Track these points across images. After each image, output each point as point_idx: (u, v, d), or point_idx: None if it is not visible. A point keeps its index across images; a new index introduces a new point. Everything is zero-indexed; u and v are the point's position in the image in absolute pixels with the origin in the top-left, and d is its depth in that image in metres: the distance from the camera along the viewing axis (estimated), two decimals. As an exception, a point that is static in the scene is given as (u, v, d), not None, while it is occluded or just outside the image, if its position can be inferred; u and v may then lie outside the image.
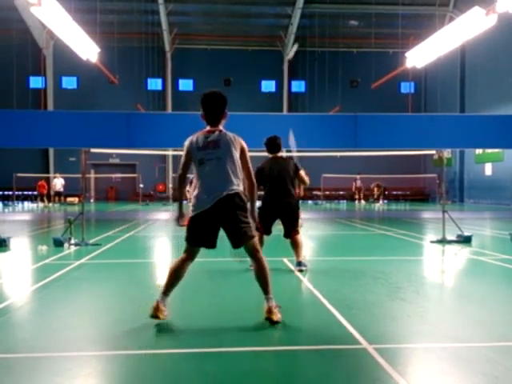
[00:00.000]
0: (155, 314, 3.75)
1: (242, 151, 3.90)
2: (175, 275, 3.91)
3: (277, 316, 3.79)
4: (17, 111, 13.57)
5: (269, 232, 6.20)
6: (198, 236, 3.84)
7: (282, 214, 6.09)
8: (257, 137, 9.54)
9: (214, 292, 4.95)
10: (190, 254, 3.92)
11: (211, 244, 3.90)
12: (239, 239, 3.84)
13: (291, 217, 6.12)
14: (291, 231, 6.16)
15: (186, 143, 3.92)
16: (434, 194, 30.18)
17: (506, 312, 4.24)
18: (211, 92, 4.03)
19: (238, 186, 3.79)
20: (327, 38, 30.21)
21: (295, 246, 6.18)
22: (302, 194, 13.28)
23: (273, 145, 6.26)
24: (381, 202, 27.97)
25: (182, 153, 3.97)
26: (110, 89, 31.06)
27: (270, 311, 3.80)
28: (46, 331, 3.69)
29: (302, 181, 6.29)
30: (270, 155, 6.27)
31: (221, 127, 3.96)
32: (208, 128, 3.94)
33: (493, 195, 26.11)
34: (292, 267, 6.46)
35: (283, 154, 6.71)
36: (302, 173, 6.23)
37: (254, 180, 4.02)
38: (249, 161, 3.95)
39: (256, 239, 3.99)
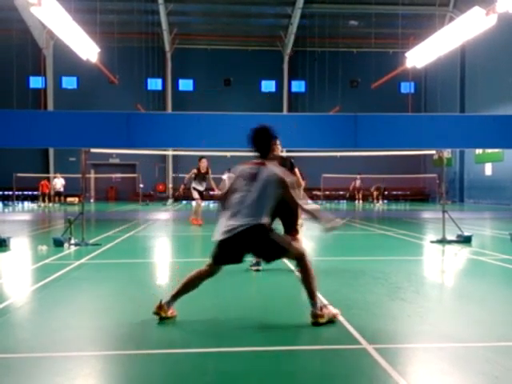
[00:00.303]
0: (158, 312, 3.81)
1: (286, 187, 3.94)
2: (191, 285, 3.98)
3: (323, 318, 3.80)
4: (17, 111, 13.57)
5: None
6: (225, 257, 3.95)
7: (281, 210, 5.95)
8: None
9: (214, 292, 4.95)
10: (212, 271, 4.00)
11: (238, 261, 4.00)
12: (269, 257, 4.02)
13: (290, 214, 5.93)
14: (291, 230, 6.04)
15: (236, 170, 4.09)
16: (434, 194, 30.17)
17: (506, 312, 4.24)
18: (261, 128, 4.17)
19: (261, 219, 3.83)
20: (327, 38, 30.21)
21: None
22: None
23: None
24: (380, 202, 27.96)
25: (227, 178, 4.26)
26: (109, 89, 31.07)
27: (314, 316, 3.80)
28: (46, 331, 3.69)
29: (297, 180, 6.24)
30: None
31: (267, 162, 4.02)
32: (255, 160, 4.06)
33: (493, 195, 26.12)
34: (292, 267, 6.46)
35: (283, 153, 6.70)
36: (297, 171, 6.14)
37: (301, 205, 4.18)
38: (294, 194, 4.01)
39: (295, 246, 4.05)
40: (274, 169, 3.96)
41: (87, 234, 8.82)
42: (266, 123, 4.24)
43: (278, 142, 5.58)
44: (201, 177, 12.92)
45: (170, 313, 3.87)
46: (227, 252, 3.91)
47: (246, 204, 3.85)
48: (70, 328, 3.74)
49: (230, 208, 3.95)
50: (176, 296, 3.92)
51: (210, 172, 13.02)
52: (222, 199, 4.10)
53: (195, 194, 12.98)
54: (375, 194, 27.76)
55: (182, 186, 14.80)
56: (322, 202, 28.91)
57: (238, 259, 3.97)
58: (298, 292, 5.19)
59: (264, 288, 5.16)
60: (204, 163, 12.91)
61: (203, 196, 13.35)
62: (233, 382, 2.75)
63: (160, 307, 3.82)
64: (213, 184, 13.24)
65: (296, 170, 6.17)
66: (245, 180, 3.93)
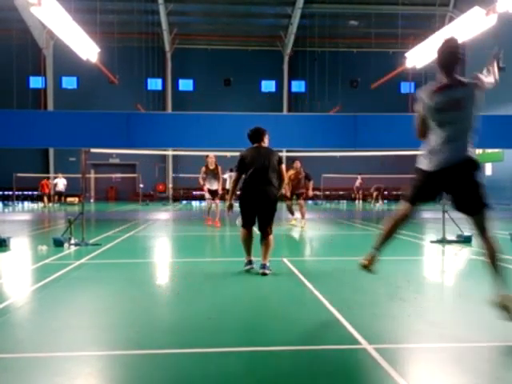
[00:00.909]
0: (368, 265, 3.89)
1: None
2: (394, 231, 3.83)
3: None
4: (17, 111, 13.57)
5: (253, 223, 5.91)
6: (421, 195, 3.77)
7: (259, 203, 5.75)
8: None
9: (214, 292, 4.95)
10: (411, 212, 3.78)
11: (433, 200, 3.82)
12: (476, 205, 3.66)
13: (268, 208, 5.78)
14: (266, 228, 5.84)
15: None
16: (433, 194, 30.16)
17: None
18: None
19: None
20: (327, 38, 30.23)
21: (266, 246, 5.85)
22: (310, 194, 13.08)
23: (256, 134, 6.04)
24: (380, 202, 27.92)
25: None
26: (109, 89, 31.07)
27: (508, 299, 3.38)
28: (46, 331, 3.69)
29: (281, 175, 5.98)
30: (254, 145, 6.06)
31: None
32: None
33: (493, 195, 25.82)
34: (292, 267, 6.46)
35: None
36: (284, 167, 6.01)
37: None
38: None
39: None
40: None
41: (87, 233, 8.82)
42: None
43: (266, 135, 6.12)
44: (211, 174, 12.26)
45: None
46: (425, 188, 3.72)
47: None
48: (70, 328, 3.74)
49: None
50: (380, 246, 3.89)
51: (219, 169, 12.36)
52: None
53: (206, 194, 12.47)
54: (375, 194, 27.67)
55: (205, 188, 13.07)
56: (321, 202, 28.91)
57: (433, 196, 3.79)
58: (298, 292, 5.19)
59: (264, 288, 5.16)
60: (211, 159, 12.26)
61: (217, 195, 12.53)
62: (233, 382, 2.75)
63: (371, 260, 3.88)
64: (221, 183, 12.52)
65: (283, 166, 6.01)
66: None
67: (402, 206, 3.85)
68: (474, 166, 3.58)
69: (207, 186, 12.35)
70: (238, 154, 6.14)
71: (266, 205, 5.76)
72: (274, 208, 5.85)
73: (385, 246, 3.90)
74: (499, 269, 3.55)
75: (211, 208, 12.70)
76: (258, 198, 5.75)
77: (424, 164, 3.72)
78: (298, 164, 12.63)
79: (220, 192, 12.62)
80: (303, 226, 12.08)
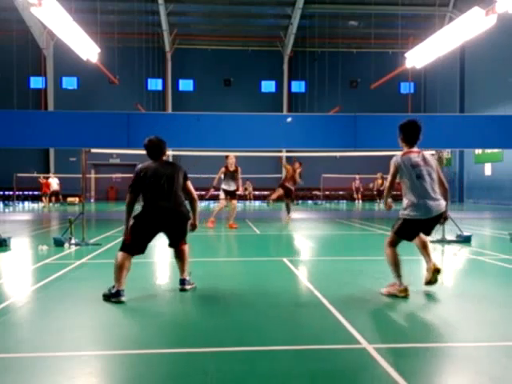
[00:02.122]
0: (405, 294, 4.68)
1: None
2: (398, 260, 4.89)
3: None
4: (17, 111, 13.58)
5: (142, 250, 4.86)
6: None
7: (167, 224, 4.87)
8: (257, 137, 9.58)
9: (214, 292, 4.96)
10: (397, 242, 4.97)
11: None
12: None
13: (180, 226, 4.95)
14: (180, 241, 5.08)
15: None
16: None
17: (506, 312, 4.25)
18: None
19: None
20: (327, 39, 30.23)
21: (182, 258, 5.08)
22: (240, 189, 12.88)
23: (155, 148, 4.98)
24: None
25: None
26: (110, 89, 31.09)
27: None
28: (47, 331, 3.70)
29: (190, 194, 5.05)
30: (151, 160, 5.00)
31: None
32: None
33: (492, 195, 26.13)
34: (292, 267, 6.47)
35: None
36: (190, 183, 5.07)
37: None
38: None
39: None
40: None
41: (88, 233, 8.83)
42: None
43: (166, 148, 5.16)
44: (229, 176, 11.79)
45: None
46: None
47: None
48: (70, 328, 3.74)
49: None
50: (399, 274, 4.79)
51: (239, 170, 11.87)
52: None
53: (221, 194, 12.04)
54: (380, 183, 25.20)
55: (212, 190, 12.98)
56: (321, 202, 28.91)
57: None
58: (298, 292, 5.20)
59: (263, 288, 5.16)
60: (232, 159, 11.72)
61: (235, 196, 12.13)
62: (233, 382, 2.75)
63: (405, 290, 4.69)
64: (240, 184, 12.07)
65: (189, 182, 5.11)
66: None
67: (391, 238, 4.94)
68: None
69: (224, 187, 11.93)
70: (237, 154, 5.88)
71: (178, 224, 4.93)
72: (184, 228, 5.01)
73: (401, 271, 4.80)
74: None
75: (221, 210, 12.31)
76: (166, 220, 4.84)
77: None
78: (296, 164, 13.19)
79: (239, 192, 12.31)
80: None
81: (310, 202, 29.74)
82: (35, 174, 27.02)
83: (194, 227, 5.13)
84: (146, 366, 2.98)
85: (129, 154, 24.38)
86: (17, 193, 28.41)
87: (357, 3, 29.06)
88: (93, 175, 32.02)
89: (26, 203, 28.66)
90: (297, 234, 11.11)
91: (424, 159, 4.76)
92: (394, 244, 4.90)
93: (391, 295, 4.71)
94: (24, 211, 21.82)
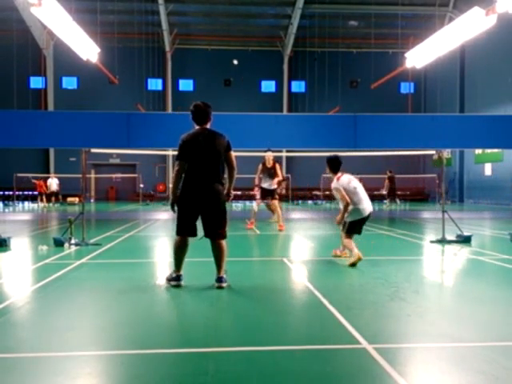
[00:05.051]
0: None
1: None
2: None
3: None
4: (17, 111, 13.58)
5: (192, 231, 4.90)
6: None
7: (202, 200, 4.78)
8: (257, 137, 9.57)
9: (214, 292, 4.95)
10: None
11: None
12: None
13: (215, 209, 4.82)
14: (216, 231, 4.90)
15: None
16: (433, 194, 30.18)
17: (506, 312, 4.25)
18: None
19: None
20: (327, 39, 30.23)
21: (218, 253, 4.96)
22: (279, 184, 12.12)
23: (200, 112, 5.03)
24: (398, 201, 25.80)
25: None
26: (110, 89, 31.10)
27: None
28: (47, 331, 3.70)
29: (230, 165, 4.99)
30: (197, 126, 5.02)
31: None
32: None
33: (492, 195, 26.12)
34: (292, 267, 6.47)
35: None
36: (233, 154, 5.02)
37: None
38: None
39: None
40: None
41: (87, 233, 8.83)
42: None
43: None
44: (267, 173, 11.22)
45: None
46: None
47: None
48: (70, 328, 3.74)
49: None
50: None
51: (277, 166, 11.28)
52: None
53: (258, 195, 11.51)
54: (386, 183, 24.38)
55: (256, 189, 12.21)
56: (322, 202, 28.92)
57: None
58: (298, 292, 5.20)
59: (263, 288, 5.16)
60: (270, 156, 11.17)
61: (275, 196, 11.45)
62: (233, 382, 2.75)
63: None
64: (279, 175, 11.34)
65: (232, 152, 5.12)
66: None
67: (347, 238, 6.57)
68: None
69: (264, 186, 11.38)
70: (237, 154, 5.76)
71: (214, 205, 4.83)
72: (220, 208, 4.89)
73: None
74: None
75: (256, 209, 11.78)
76: (203, 199, 4.79)
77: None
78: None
79: (276, 187, 11.62)
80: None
81: (309, 201, 29.74)
82: (31, 175, 26.93)
83: (228, 196, 5.05)
84: (146, 366, 2.98)
85: (129, 153, 24.43)
86: (17, 193, 28.39)
87: (357, 3, 29.06)
88: (93, 175, 32.03)
89: (26, 203, 28.65)
90: (297, 234, 11.11)
91: None
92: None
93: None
94: (24, 211, 21.82)
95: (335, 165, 6.86)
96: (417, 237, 10.15)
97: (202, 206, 4.83)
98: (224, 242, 5.01)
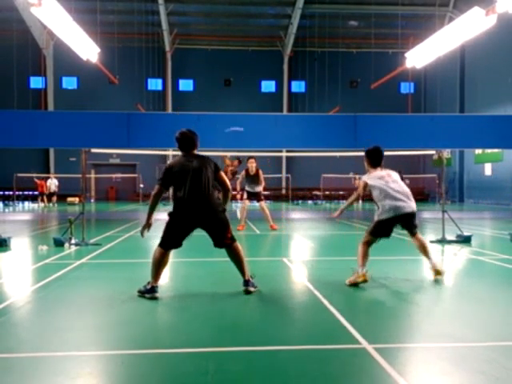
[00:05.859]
0: (365, 279, 5.22)
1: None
2: (367, 252, 5.59)
3: None
4: (17, 111, 13.58)
5: (177, 245, 4.85)
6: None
7: (200, 218, 4.77)
8: (257, 137, 9.58)
9: (214, 292, 4.95)
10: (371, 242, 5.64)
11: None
12: None
13: (214, 219, 4.81)
14: (223, 240, 4.87)
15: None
16: (433, 194, 30.19)
17: (506, 312, 4.25)
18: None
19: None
20: (327, 39, 30.24)
21: (236, 258, 4.90)
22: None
23: (187, 139, 4.90)
24: None
25: None
26: (110, 89, 31.10)
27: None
28: (47, 331, 3.70)
29: (223, 185, 4.97)
30: (182, 153, 4.92)
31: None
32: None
33: (492, 195, 26.12)
34: (292, 267, 6.47)
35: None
36: (222, 174, 5.00)
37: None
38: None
39: None
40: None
41: (88, 233, 8.83)
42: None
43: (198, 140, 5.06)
44: (250, 179, 11.48)
45: None
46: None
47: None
48: (70, 328, 3.74)
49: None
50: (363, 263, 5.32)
51: (260, 173, 11.45)
52: None
53: (244, 194, 11.71)
54: None
55: (240, 193, 12.35)
56: (321, 202, 28.92)
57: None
58: (298, 292, 5.20)
59: (263, 288, 5.16)
60: (252, 163, 11.41)
61: (260, 197, 11.60)
62: (233, 382, 2.75)
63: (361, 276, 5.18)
64: (263, 185, 11.62)
65: (222, 172, 5.08)
66: None
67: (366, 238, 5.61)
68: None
69: (248, 189, 11.59)
70: (237, 154, 5.80)
71: (214, 220, 4.81)
72: (220, 218, 4.84)
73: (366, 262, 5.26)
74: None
75: (244, 211, 11.75)
76: (201, 217, 4.78)
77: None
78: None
79: (261, 191, 11.77)
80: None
81: (309, 201, 29.74)
82: (34, 175, 26.93)
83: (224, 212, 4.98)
84: (146, 366, 2.98)
85: (129, 153, 24.39)
86: (17, 193, 28.39)
87: (357, 3, 29.06)
88: (93, 175, 32.03)
89: (26, 203, 28.65)
90: (297, 233, 11.10)
91: None
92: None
93: (352, 284, 5.15)
94: (24, 211, 21.82)
95: (375, 158, 5.64)
96: (417, 237, 10.14)
97: (200, 223, 4.81)
98: (236, 245, 4.91)
